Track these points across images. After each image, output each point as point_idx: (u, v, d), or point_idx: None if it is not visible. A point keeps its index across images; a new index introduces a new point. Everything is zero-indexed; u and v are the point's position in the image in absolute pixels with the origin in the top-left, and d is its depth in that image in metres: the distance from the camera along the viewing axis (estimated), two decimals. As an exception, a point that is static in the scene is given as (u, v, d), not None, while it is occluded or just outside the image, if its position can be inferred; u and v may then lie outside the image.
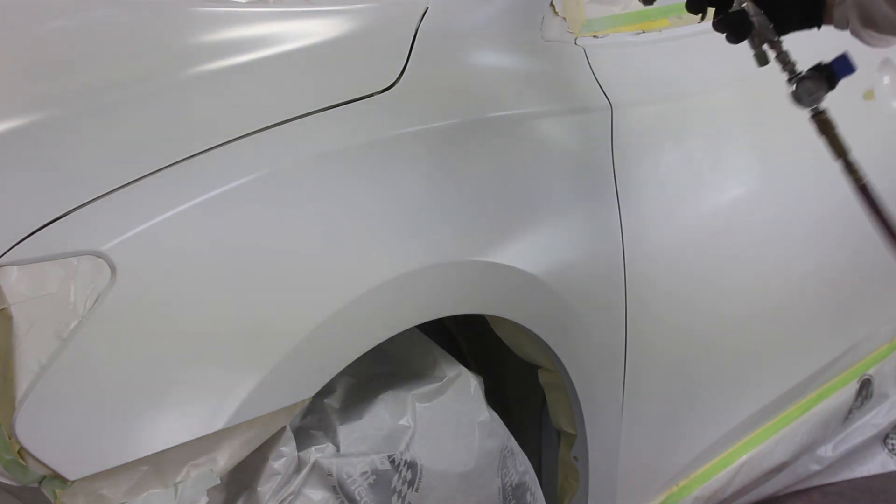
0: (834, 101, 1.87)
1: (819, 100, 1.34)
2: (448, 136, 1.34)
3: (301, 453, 1.24)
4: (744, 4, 1.31)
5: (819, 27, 1.33)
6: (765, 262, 1.81)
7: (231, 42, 1.45)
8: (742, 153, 1.78)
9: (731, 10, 1.32)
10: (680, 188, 1.63)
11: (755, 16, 1.31)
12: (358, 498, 1.25)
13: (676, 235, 1.61)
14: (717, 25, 1.34)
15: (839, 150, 1.35)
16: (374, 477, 1.26)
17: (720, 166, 1.73)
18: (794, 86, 1.34)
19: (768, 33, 1.32)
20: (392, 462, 1.28)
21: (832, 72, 1.34)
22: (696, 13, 1.36)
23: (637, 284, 1.54)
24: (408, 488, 1.29)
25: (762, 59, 1.35)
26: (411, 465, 1.29)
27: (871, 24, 1.27)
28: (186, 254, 1.10)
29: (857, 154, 2.00)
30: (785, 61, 1.34)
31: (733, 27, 1.33)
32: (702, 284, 1.68)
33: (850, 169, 1.34)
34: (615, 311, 1.54)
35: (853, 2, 1.28)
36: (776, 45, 1.33)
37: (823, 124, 1.36)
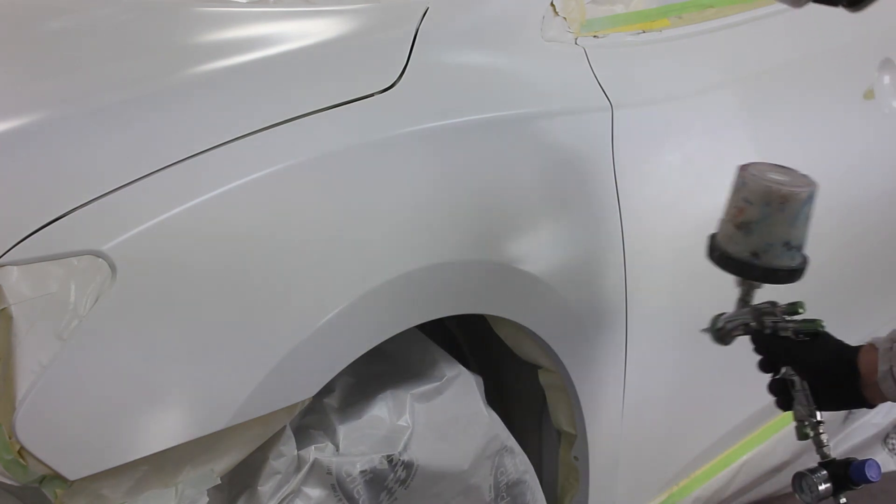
0: (834, 101, 1.88)
1: (817, 498, 1.28)
2: (448, 136, 1.34)
3: (301, 452, 1.24)
4: (790, 377, 1.27)
5: (871, 406, 1.26)
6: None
7: (231, 42, 1.45)
8: (742, 153, 1.78)
9: (776, 377, 1.29)
10: (680, 188, 1.63)
11: (799, 390, 1.26)
12: (356, 496, 1.25)
13: (676, 235, 1.61)
14: (769, 388, 1.30)
15: None
16: (371, 475, 1.27)
17: (720, 166, 1.72)
18: (796, 476, 1.30)
19: (807, 408, 1.27)
20: (390, 462, 1.28)
21: (847, 474, 1.28)
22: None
23: (637, 284, 1.54)
24: (398, 486, 1.29)
25: (801, 434, 1.29)
26: (407, 465, 1.29)
27: None
28: (186, 253, 1.10)
29: (857, 154, 2.00)
30: (819, 443, 1.29)
31: (778, 394, 1.29)
32: (702, 284, 1.68)
33: None
34: (615, 311, 1.54)
35: None
36: (813, 425, 1.28)
37: None
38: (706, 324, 1.34)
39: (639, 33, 1.67)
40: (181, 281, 1.09)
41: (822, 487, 1.27)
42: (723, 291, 1.73)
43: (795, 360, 1.26)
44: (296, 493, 1.22)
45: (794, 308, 1.28)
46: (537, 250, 1.41)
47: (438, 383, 1.37)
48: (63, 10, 1.64)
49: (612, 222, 1.50)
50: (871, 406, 1.24)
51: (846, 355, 1.23)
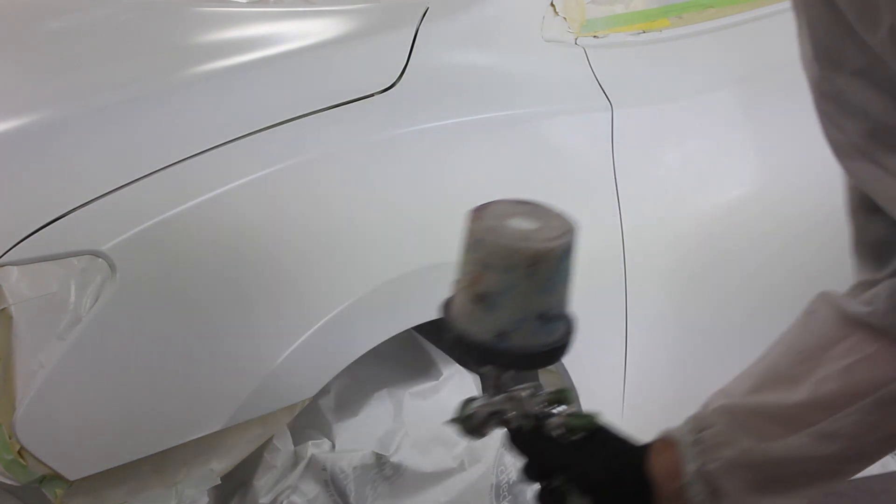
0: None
1: None
2: (448, 135, 1.34)
3: (298, 448, 1.25)
4: (564, 488, 0.93)
5: None
6: (764, 261, 1.81)
7: (231, 42, 1.45)
8: (741, 153, 1.78)
9: (546, 487, 0.94)
10: (680, 188, 1.63)
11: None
12: (348, 493, 1.26)
13: (676, 235, 1.61)
14: (538, 500, 0.95)
15: None
16: (361, 471, 1.27)
17: (720, 166, 1.73)
18: None
19: None
20: (379, 459, 1.28)
21: None
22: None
23: (637, 284, 1.54)
24: (383, 481, 1.30)
25: None
26: (396, 466, 1.29)
27: (768, 486, 0.88)
28: (186, 254, 1.10)
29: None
30: None
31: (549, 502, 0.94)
32: (702, 284, 1.68)
33: None
34: (615, 311, 1.54)
35: (729, 468, 0.88)
36: None
37: None
38: (456, 413, 0.96)
39: (639, 33, 1.67)
40: (181, 281, 1.09)
41: None
42: (723, 291, 1.74)
43: (568, 469, 0.92)
44: (292, 488, 1.23)
45: (562, 397, 0.96)
46: (537, 250, 1.41)
47: (435, 382, 1.38)
48: (63, 10, 1.64)
49: (612, 222, 1.50)
50: None
51: (632, 461, 0.92)
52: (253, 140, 1.17)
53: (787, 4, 2.05)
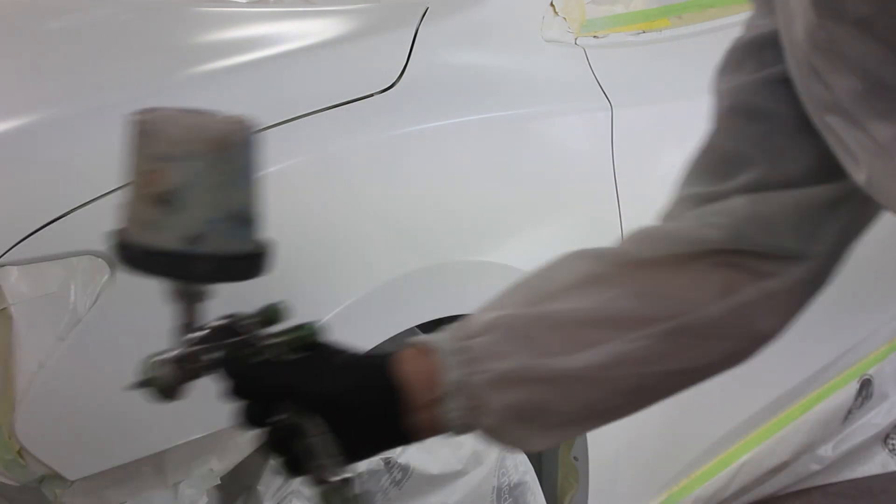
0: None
1: None
2: (448, 135, 1.34)
3: (301, 453, 1.24)
4: (290, 421, 0.79)
5: (410, 442, 0.82)
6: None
7: (231, 42, 1.45)
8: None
9: (273, 425, 0.79)
10: (680, 188, 1.63)
11: (314, 437, 0.78)
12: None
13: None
14: (269, 444, 0.81)
15: None
16: (367, 476, 1.27)
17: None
18: None
19: (332, 463, 0.79)
20: (387, 464, 1.28)
21: None
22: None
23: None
24: (393, 486, 1.29)
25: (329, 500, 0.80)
26: (404, 468, 1.29)
27: (537, 410, 0.78)
28: (186, 254, 1.10)
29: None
30: None
31: (282, 451, 0.80)
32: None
33: None
34: (615, 311, 1.54)
35: (499, 380, 0.77)
36: (344, 484, 0.80)
37: None
38: (137, 377, 0.83)
39: (639, 33, 1.67)
40: (181, 281, 1.09)
41: None
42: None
43: (297, 392, 0.79)
44: (295, 493, 1.22)
45: (270, 314, 0.85)
46: (537, 250, 1.41)
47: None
48: (63, 10, 1.64)
49: (612, 222, 1.50)
50: (410, 443, 0.82)
51: (373, 368, 0.81)
52: (253, 140, 1.17)
53: (788, 4, 2.03)
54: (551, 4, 1.53)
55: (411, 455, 1.30)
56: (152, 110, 0.82)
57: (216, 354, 0.81)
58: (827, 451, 2.32)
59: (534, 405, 0.78)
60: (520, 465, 1.46)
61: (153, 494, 1.10)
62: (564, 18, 1.54)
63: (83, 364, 1.03)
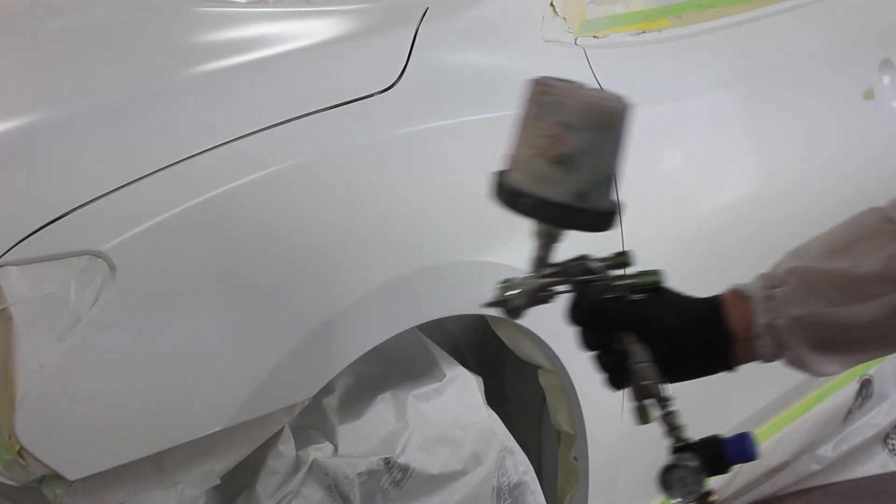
0: (834, 102, 1.87)
1: (695, 493, 0.98)
2: (448, 136, 1.34)
3: (300, 452, 1.24)
4: (629, 347, 0.96)
5: (731, 369, 0.99)
6: (764, 261, 1.81)
7: (231, 42, 1.45)
8: (742, 153, 1.78)
9: (606, 348, 0.98)
10: (680, 188, 1.63)
11: (640, 362, 0.96)
12: (352, 498, 1.25)
13: (676, 235, 1.61)
14: (598, 362, 1.00)
15: None
16: (367, 476, 1.27)
17: (720, 166, 1.73)
18: (664, 471, 1.00)
19: (653, 385, 0.97)
20: (387, 464, 1.28)
21: (723, 453, 0.98)
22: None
23: (637, 284, 1.54)
24: (393, 487, 1.29)
25: (642, 416, 0.99)
26: (403, 468, 1.29)
27: (829, 347, 0.95)
28: (186, 254, 1.10)
29: (857, 155, 2.00)
30: (672, 425, 1.00)
31: (611, 371, 0.99)
32: (702, 283, 1.68)
33: None
34: (615, 311, 1.54)
35: (794, 325, 0.94)
36: (662, 403, 0.98)
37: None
38: (491, 296, 1.00)
39: (639, 33, 1.67)
40: (181, 281, 1.09)
41: (695, 478, 0.99)
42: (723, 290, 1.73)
43: (640, 325, 0.96)
44: (294, 493, 1.22)
45: (623, 259, 1.00)
46: (537, 250, 1.41)
47: (438, 384, 1.37)
48: (63, 10, 1.64)
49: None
50: (731, 369, 0.99)
51: (707, 309, 0.98)
52: (253, 140, 1.17)
53: (788, 4, 2.07)
54: (551, 4, 1.53)
55: (411, 455, 1.30)
56: (551, 81, 0.94)
57: (566, 287, 0.98)
58: (827, 451, 2.32)
59: (824, 341, 0.94)
60: (519, 465, 1.46)
61: (153, 494, 1.10)
62: (564, 18, 1.54)
63: (83, 364, 1.03)
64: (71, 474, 1.03)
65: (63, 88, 1.30)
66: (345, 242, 1.20)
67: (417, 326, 1.33)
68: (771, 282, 0.98)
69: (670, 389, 0.98)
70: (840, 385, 2.23)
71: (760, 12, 1.89)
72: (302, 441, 1.26)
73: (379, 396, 1.34)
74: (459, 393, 1.39)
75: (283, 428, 1.21)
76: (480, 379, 1.44)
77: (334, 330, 1.18)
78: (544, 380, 1.54)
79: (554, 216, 0.95)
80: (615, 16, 1.66)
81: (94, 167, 1.12)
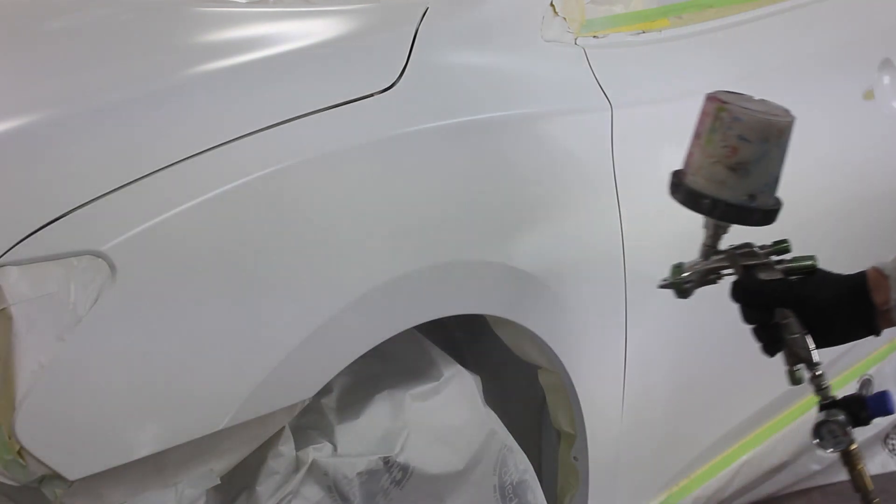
0: (834, 102, 1.87)
1: (843, 443, 1.16)
2: (448, 136, 1.34)
3: (299, 453, 1.24)
4: (786, 320, 1.16)
5: (878, 334, 1.18)
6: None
7: (231, 42, 1.45)
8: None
9: (768, 324, 1.18)
10: (680, 188, 1.63)
11: (795, 334, 1.15)
12: (352, 498, 1.25)
13: (676, 235, 1.61)
14: (754, 333, 1.20)
15: (861, 485, 1.22)
16: (367, 476, 1.27)
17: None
18: (817, 426, 1.17)
19: (804, 351, 1.16)
20: (386, 463, 1.28)
21: (865, 408, 1.16)
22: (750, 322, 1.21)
23: (637, 284, 1.54)
24: (393, 486, 1.29)
25: (795, 379, 1.18)
26: (403, 467, 1.29)
27: None
28: (186, 254, 1.10)
29: (857, 155, 2.00)
30: (819, 386, 1.17)
31: (768, 341, 1.19)
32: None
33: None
34: (615, 311, 1.54)
35: None
36: (811, 366, 1.17)
37: (848, 458, 1.19)
38: (664, 277, 1.22)
39: (639, 33, 1.67)
40: (181, 281, 1.09)
41: (842, 432, 1.16)
42: (724, 290, 1.74)
43: (798, 301, 1.16)
44: (294, 493, 1.22)
45: (783, 247, 1.20)
46: (537, 250, 1.41)
47: (436, 383, 1.37)
48: (63, 10, 1.64)
49: (612, 222, 1.50)
50: (877, 334, 1.17)
51: (856, 285, 1.16)
52: (253, 140, 1.17)
53: (788, 4, 2.08)
54: (551, 4, 1.53)
55: (410, 454, 1.30)
56: (728, 98, 1.14)
57: (732, 271, 1.18)
58: (827, 450, 2.32)
59: None
60: (519, 464, 1.46)
61: (153, 494, 1.10)
62: (564, 18, 1.54)
63: (83, 364, 1.03)
64: (71, 474, 1.03)
65: (63, 88, 1.30)
66: (344, 242, 1.20)
67: (417, 326, 1.33)
68: None
69: (818, 355, 1.16)
70: (840, 385, 2.23)
71: (760, 12, 1.89)
72: (301, 441, 1.26)
73: (377, 396, 1.34)
74: (457, 392, 1.39)
75: (283, 428, 1.21)
76: (478, 378, 1.44)
77: (334, 330, 1.18)
78: (544, 380, 1.54)
79: (729, 215, 1.15)
80: (615, 16, 1.66)
81: (94, 167, 1.12)
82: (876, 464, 2.43)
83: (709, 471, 1.94)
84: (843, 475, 2.48)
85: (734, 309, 1.60)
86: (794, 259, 1.18)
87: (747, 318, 1.19)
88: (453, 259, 1.31)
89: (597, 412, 1.57)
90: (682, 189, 1.17)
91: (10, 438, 1.00)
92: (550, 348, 1.46)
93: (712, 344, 1.75)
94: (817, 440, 1.17)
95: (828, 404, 1.17)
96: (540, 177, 1.43)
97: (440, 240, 1.30)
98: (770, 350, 1.19)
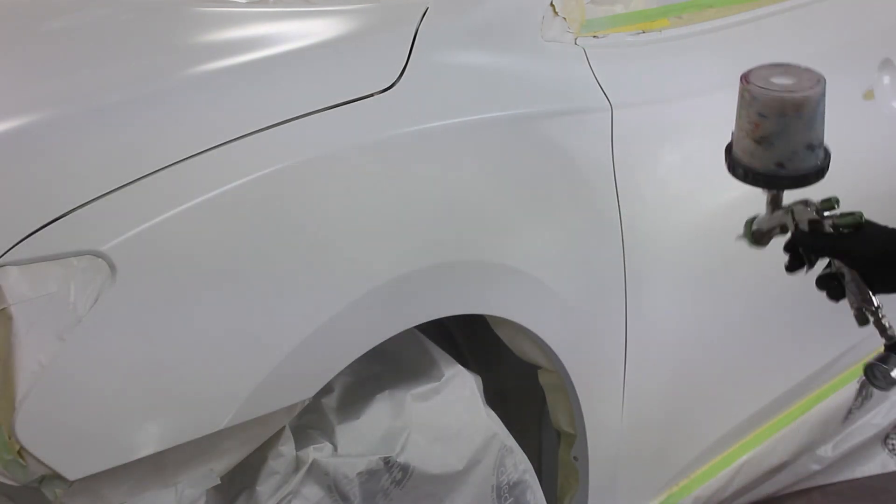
0: (834, 102, 1.86)
1: (893, 384, 1.24)
2: (448, 136, 1.34)
3: (300, 453, 1.24)
4: (842, 270, 1.25)
5: None
6: (764, 261, 1.81)
7: (231, 42, 1.45)
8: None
9: (824, 273, 1.27)
10: (680, 188, 1.63)
11: (850, 280, 1.24)
12: (352, 497, 1.25)
13: (676, 235, 1.61)
14: (817, 283, 1.28)
15: None
16: (367, 476, 1.27)
17: (720, 166, 1.72)
18: (869, 369, 1.25)
19: (863, 296, 1.23)
20: (386, 463, 1.28)
21: None
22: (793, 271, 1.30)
23: (637, 284, 1.54)
24: (394, 486, 1.29)
25: (861, 319, 1.26)
26: (403, 467, 1.29)
27: None
28: (186, 254, 1.10)
29: (857, 155, 2.00)
30: (881, 328, 1.24)
31: (827, 288, 1.27)
32: (702, 284, 1.68)
33: None
34: (615, 311, 1.54)
35: None
36: (872, 310, 1.24)
37: None
38: (740, 231, 1.34)
39: (639, 33, 1.67)
40: (181, 281, 1.09)
41: (894, 371, 1.23)
42: (723, 290, 1.74)
43: (845, 252, 1.24)
44: (294, 493, 1.22)
45: (829, 204, 1.27)
46: (537, 250, 1.41)
47: (437, 383, 1.37)
48: (63, 10, 1.64)
49: (612, 222, 1.50)
50: None
51: None
52: (253, 140, 1.17)
53: (788, 4, 2.07)
54: (551, 4, 1.53)
55: (411, 454, 1.30)
56: (753, 76, 1.23)
57: (793, 223, 1.26)
58: (827, 451, 2.32)
59: None
60: (519, 464, 1.46)
61: (153, 494, 1.10)
62: (564, 18, 1.54)
63: (83, 364, 1.03)
64: (71, 474, 1.03)
65: (63, 88, 1.30)
66: (345, 242, 1.20)
67: (417, 326, 1.33)
68: None
69: (878, 300, 1.23)
70: (840, 385, 2.23)
71: (760, 12, 1.89)
72: (301, 441, 1.26)
73: (377, 396, 1.34)
74: (458, 392, 1.39)
75: (283, 428, 1.21)
76: (479, 378, 1.44)
77: (334, 330, 1.18)
78: (544, 380, 1.54)
79: (760, 181, 1.25)
80: (615, 16, 1.66)
81: (94, 167, 1.12)
82: (876, 464, 2.43)
83: (709, 471, 1.94)
84: (843, 475, 2.49)
85: (734, 309, 1.60)
86: (842, 215, 1.25)
87: (790, 268, 1.30)
88: (453, 259, 1.31)
89: (597, 412, 1.57)
90: (728, 159, 1.27)
91: (10, 438, 1.00)
92: (550, 348, 1.46)
93: (713, 344, 1.75)
94: (870, 381, 1.25)
95: (891, 346, 1.24)
96: (540, 177, 1.43)
97: (440, 240, 1.30)
98: (833, 295, 1.27)
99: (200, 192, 1.11)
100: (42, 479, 1.03)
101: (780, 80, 1.21)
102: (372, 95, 1.28)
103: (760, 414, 2.00)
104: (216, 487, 1.16)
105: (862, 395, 2.33)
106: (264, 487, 1.21)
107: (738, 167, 1.26)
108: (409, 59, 1.34)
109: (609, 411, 1.60)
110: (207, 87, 1.28)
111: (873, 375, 1.25)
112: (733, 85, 1.80)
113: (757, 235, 1.32)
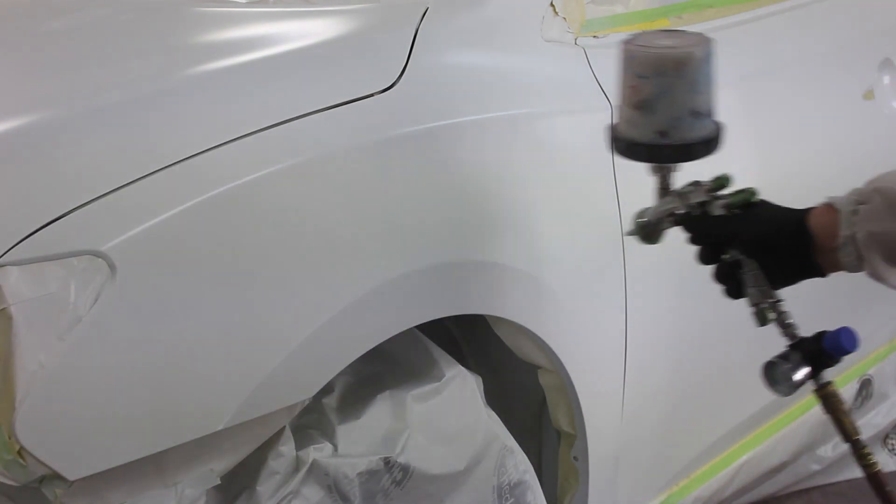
0: (834, 102, 1.87)
1: (795, 388, 1.11)
2: (448, 136, 1.34)
3: (300, 453, 1.24)
4: (736, 258, 1.12)
5: (823, 275, 1.10)
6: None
7: (231, 42, 1.45)
8: (741, 153, 1.78)
9: (720, 263, 1.14)
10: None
11: (748, 271, 1.11)
12: (352, 498, 1.25)
13: (676, 235, 1.61)
14: (714, 277, 1.16)
15: (846, 432, 1.12)
16: (368, 477, 1.27)
17: (719, 166, 1.73)
18: (768, 370, 1.13)
19: (762, 289, 1.11)
20: (387, 463, 1.28)
21: (822, 351, 1.10)
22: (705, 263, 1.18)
23: (637, 284, 1.54)
24: (394, 486, 1.29)
25: (761, 318, 1.13)
26: (404, 467, 1.29)
27: None
28: (186, 254, 1.10)
29: (857, 154, 2.00)
30: (783, 325, 1.13)
31: (725, 281, 1.14)
32: (702, 283, 1.68)
33: (860, 454, 1.12)
34: (615, 311, 1.54)
35: (869, 239, 1.03)
36: (772, 305, 1.12)
37: (827, 400, 1.12)
38: (629, 226, 1.20)
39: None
40: (181, 281, 1.09)
41: (798, 372, 1.10)
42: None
43: (736, 237, 1.11)
44: (294, 493, 1.22)
45: (719, 183, 1.15)
46: (537, 250, 1.41)
47: (437, 384, 1.37)
48: (63, 10, 1.65)
49: (612, 222, 1.50)
50: (823, 275, 1.09)
51: (793, 219, 1.09)
52: (253, 140, 1.17)
53: (788, 4, 2.08)
54: (551, 4, 1.53)
55: (411, 455, 1.30)
56: (635, 38, 1.11)
57: (683, 211, 1.14)
58: (827, 451, 2.32)
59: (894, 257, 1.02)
60: (519, 465, 1.46)
61: (153, 494, 1.10)
62: (564, 18, 1.54)
63: (83, 364, 1.03)
64: (71, 474, 1.03)
65: (63, 88, 1.30)
66: (344, 242, 1.20)
67: (418, 326, 1.33)
68: (860, 197, 1.06)
69: (782, 294, 1.11)
70: (840, 385, 2.23)
71: (760, 12, 1.89)
72: (301, 441, 1.26)
73: (378, 396, 1.34)
74: (458, 393, 1.39)
75: (283, 428, 1.21)
76: (480, 378, 1.44)
77: (334, 330, 1.18)
78: (544, 380, 1.54)
79: (641, 154, 1.12)
80: (615, 16, 1.66)
81: (94, 167, 1.12)
82: (876, 464, 2.43)
83: (709, 471, 1.94)
84: (843, 475, 2.49)
85: (734, 309, 1.60)
86: (733, 193, 1.13)
87: (700, 257, 1.16)
88: (453, 259, 1.31)
89: (597, 412, 1.57)
90: (610, 135, 1.16)
91: (10, 438, 1.00)
92: (550, 348, 1.46)
93: (713, 344, 1.75)
94: (769, 383, 1.12)
95: (794, 344, 1.12)
96: (540, 177, 1.43)
97: (440, 240, 1.30)
98: (732, 293, 1.14)
99: (200, 192, 1.11)
100: (42, 479, 1.04)
101: (663, 41, 1.10)
102: (372, 95, 1.28)
103: (760, 414, 2.00)
104: (216, 487, 1.16)
105: (862, 395, 2.33)
106: (264, 487, 1.21)
107: (619, 140, 1.13)
108: (409, 59, 1.34)
109: (609, 411, 1.60)
110: (207, 87, 1.28)
111: (773, 377, 1.12)
112: (733, 85, 1.81)
113: (647, 229, 1.18)
